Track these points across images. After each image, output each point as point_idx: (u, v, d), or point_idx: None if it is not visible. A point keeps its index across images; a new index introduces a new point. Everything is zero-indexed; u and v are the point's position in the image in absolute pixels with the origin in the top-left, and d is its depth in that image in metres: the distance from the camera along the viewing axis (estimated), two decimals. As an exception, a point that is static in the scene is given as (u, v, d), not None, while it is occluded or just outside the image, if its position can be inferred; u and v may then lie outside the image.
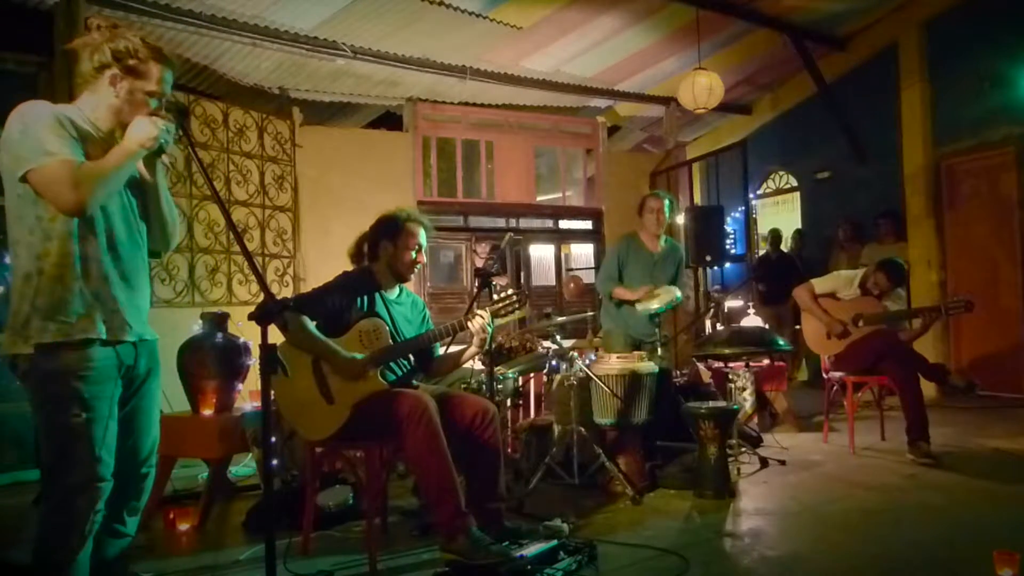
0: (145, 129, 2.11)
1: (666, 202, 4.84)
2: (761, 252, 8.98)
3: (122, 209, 2.17)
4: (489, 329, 3.22)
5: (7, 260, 5.16)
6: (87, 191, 2.01)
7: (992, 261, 7.15)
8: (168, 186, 2.34)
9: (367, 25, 6.02)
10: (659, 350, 4.69)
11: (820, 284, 5.22)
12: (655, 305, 4.64)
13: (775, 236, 8.66)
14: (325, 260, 5.83)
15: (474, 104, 7.76)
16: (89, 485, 2.06)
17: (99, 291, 2.10)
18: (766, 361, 5.37)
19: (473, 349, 3.31)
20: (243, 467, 4.75)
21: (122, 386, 2.16)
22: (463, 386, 4.25)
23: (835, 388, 5.21)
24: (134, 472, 2.25)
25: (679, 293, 4.77)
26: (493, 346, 3.75)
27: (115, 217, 2.15)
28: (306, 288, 5.95)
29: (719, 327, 6.35)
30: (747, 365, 5.12)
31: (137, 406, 2.24)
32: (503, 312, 3.28)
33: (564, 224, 8.30)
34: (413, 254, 3.34)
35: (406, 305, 3.44)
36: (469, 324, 3.20)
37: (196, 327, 4.27)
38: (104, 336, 2.08)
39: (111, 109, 2.17)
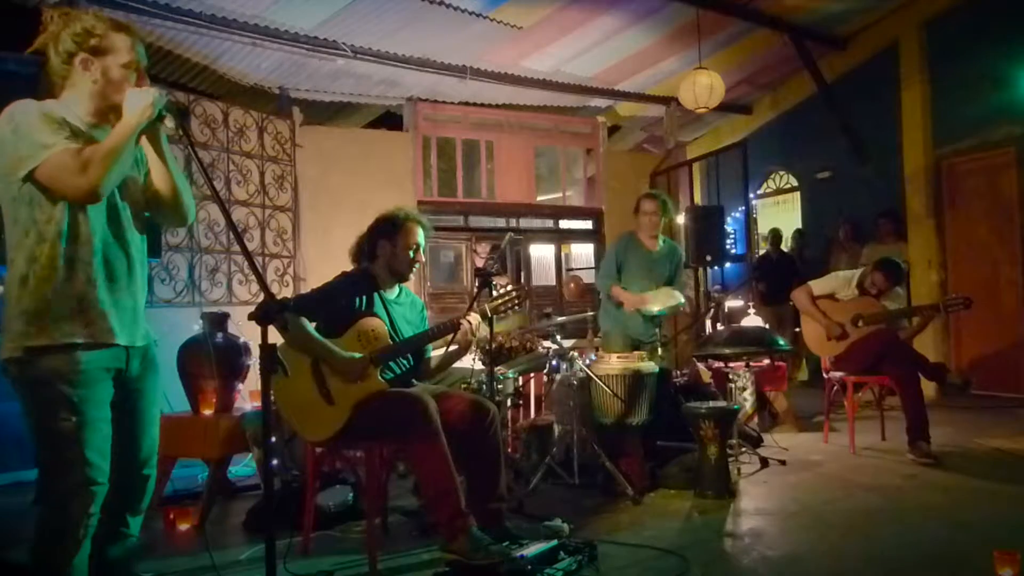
0: (141, 99, 2.07)
1: (660, 203, 4.84)
2: (761, 252, 8.98)
3: (110, 209, 2.13)
4: (479, 333, 3.23)
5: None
6: (96, 173, 1.97)
7: (993, 261, 7.15)
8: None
9: (367, 25, 6.02)
10: (659, 350, 4.69)
11: (818, 286, 5.22)
12: (655, 308, 4.63)
13: (775, 236, 8.65)
14: (325, 260, 5.82)
15: (474, 104, 7.75)
16: (81, 489, 2.03)
17: (84, 294, 2.06)
18: (766, 361, 5.37)
19: (460, 351, 3.31)
20: (243, 467, 4.75)
21: (114, 389, 2.14)
22: (463, 386, 4.25)
23: (835, 388, 5.21)
24: (134, 475, 2.23)
25: (681, 298, 4.74)
26: (493, 345, 3.76)
27: (104, 217, 2.11)
28: (306, 288, 5.95)
29: (719, 327, 6.35)
30: (747, 365, 5.12)
31: (133, 408, 2.22)
32: (503, 308, 3.28)
33: (564, 224, 8.30)
34: (412, 254, 3.34)
35: (405, 305, 3.44)
36: (462, 323, 3.21)
37: (196, 327, 4.27)
38: (87, 340, 2.05)
39: (95, 95, 2.13)
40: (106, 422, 2.10)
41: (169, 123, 2.13)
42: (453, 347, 3.39)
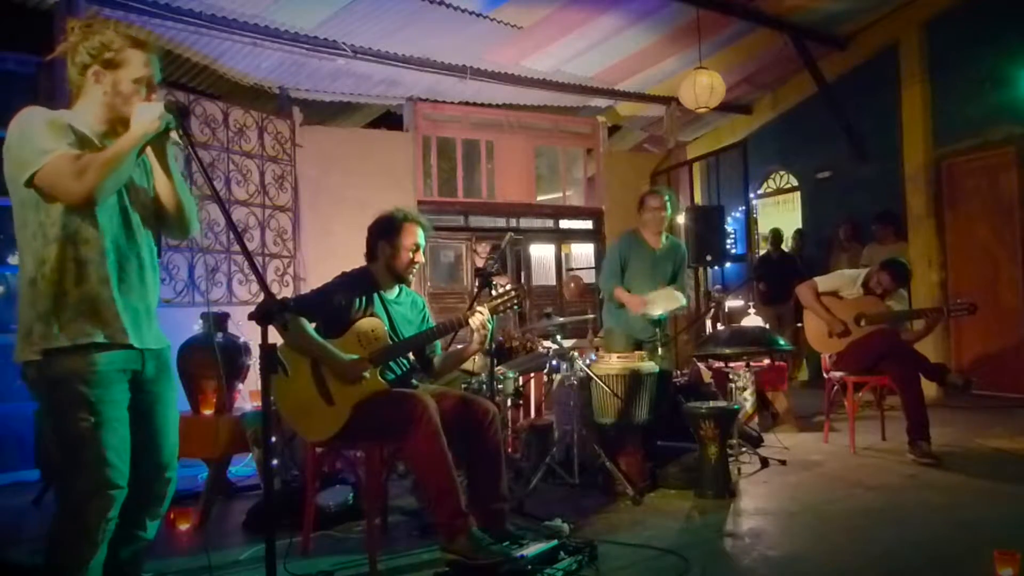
0: (148, 112, 2.10)
1: (666, 199, 4.84)
2: (762, 252, 8.98)
3: (122, 212, 2.16)
4: (490, 326, 3.21)
5: (10, 261, 5.17)
6: (91, 179, 2.00)
7: (993, 260, 7.15)
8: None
9: (367, 25, 6.02)
10: (660, 350, 4.68)
11: (823, 282, 5.23)
12: (657, 311, 4.59)
13: (776, 236, 8.65)
14: (325, 260, 5.82)
15: (474, 104, 7.75)
16: (99, 491, 2.03)
17: (98, 295, 2.08)
18: (767, 361, 5.37)
19: (474, 347, 3.31)
20: (243, 467, 4.75)
21: (131, 391, 2.15)
22: (463, 386, 4.25)
23: (836, 388, 5.21)
24: (155, 479, 2.24)
25: (683, 300, 4.65)
26: (493, 345, 3.75)
27: (116, 220, 2.14)
28: (306, 288, 5.95)
29: (720, 327, 6.35)
30: (748, 365, 5.12)
31: (150, 412, 2.22)
32: (502, 308, 3.28)
33: (564, 224, 8.30)
34: (411, 254, 3.33)
35: (405, 305, 3.43)
36: (470, 320, 3.20)
37: (196, 327, 4.26)
38: (103, 340, 2.07)
39: (104, 107, 2.17)
40: (123, 423, 2.11)
41: (175, 136, 2.16)
42: (460, 345, 3.38)
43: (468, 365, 4.62)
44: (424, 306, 3.55)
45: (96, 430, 2.03)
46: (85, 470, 2.03)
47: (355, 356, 3.11)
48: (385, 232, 3.34)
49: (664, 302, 4.57)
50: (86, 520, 2.03)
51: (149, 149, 2.17)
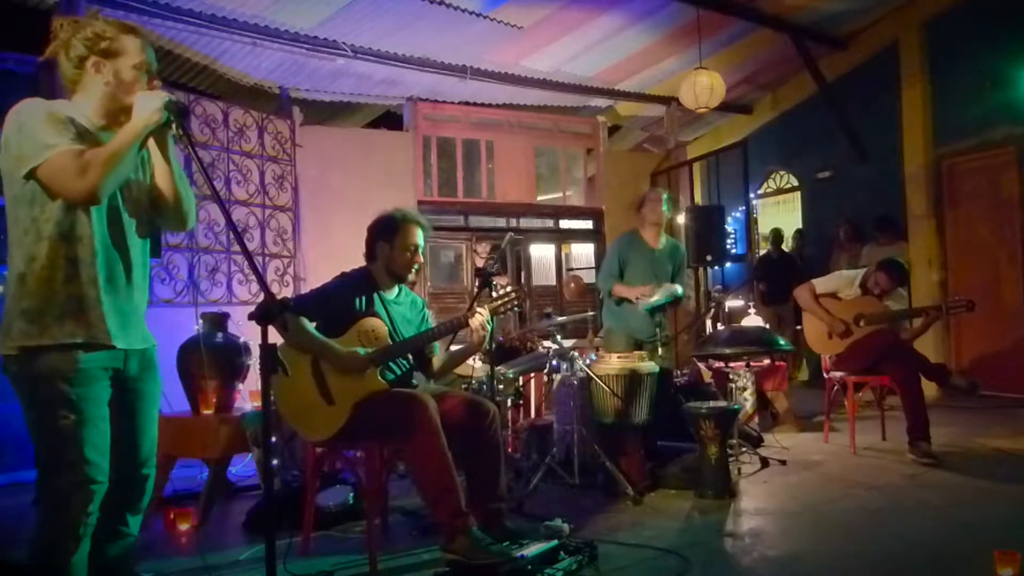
0: (150, 102, 2.07)
1: (664, 196, 4.88)
2: (762, 252, 8.98)
3: (112, 212, 2.14)
4: (489, 327, 3.21)
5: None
6: (95, 176, 1.98)
7: (993, 260, 7.15)
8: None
9: (367, 24, 6.02)
10: (660, 350, 4.69)
11: (821, 284, 5.23)
12: (654, 298, 4.63)
13: (776, 235, 8.65)
14: (325, 260, 5.82)
15: (474, 104, 7.76)
16: (80, 487, 2.04)
17: (85, 295, 2.07)
18: (767, 361, 5.37)
19: (474, 348, 3.31)
20: (243, 467, 4.75)
21: (113, 388, 2.14)
22: (463, 386, 4.25)
23: (836, 388, 5.21)
24: (133, 474, 2.24)
25: (680, 289, 4.76)
26: (493, 345, 3.75)
27: (105, 219, 2.12)
28: (306, 288, 5.95)
29: (720, 327, 6.35)
30: (748, 365, 5.12)
31: (132, 409, 2.22)
32: (502, 309, 3.28)
33: (564, 224, 8.29)
34: (410, 254, 3.33)
35: (405, 305, 3.43)
36: (469, 321, 3.20)
37: (196, 327, 4.27)
38: (86, 341, 2.06)
39: (107, 97, 2.14)
40: (105, 421, 2.10)
41: (175, 130, 2.13)
42: (460, 346, 3.38)
43: (466, 370, 4.62)
44: (424, 306, 3.54)
45: (77, 427, 2.03)
46: (66, 467, 2.03)
47: (359, 350, 3.10)
48: (384, 232, 3.34)
49: (662, 291, 4.63)
50: (68, 516, 2.04)
51: (152, 140, 2.15)
